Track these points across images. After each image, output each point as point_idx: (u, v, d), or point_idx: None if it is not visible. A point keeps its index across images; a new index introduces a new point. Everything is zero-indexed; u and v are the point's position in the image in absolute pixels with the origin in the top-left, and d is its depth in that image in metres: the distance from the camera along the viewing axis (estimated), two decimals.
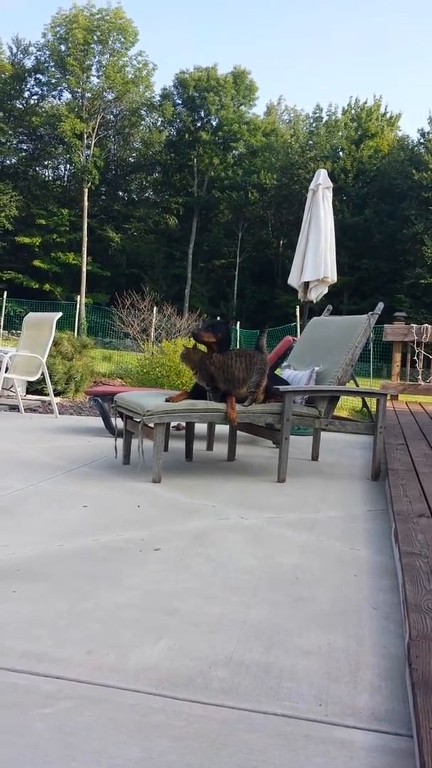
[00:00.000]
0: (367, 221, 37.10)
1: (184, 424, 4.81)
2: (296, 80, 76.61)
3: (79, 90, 40.82)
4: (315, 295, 7.28)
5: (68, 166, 44.64)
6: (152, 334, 14.38)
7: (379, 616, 1.93)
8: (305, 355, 4.62)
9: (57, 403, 6.81)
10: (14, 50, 42.25)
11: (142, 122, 45.20)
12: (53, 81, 41.80)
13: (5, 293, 26.62)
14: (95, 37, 40.12)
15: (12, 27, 71.47)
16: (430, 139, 38.06)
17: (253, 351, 3.77)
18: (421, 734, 1.23)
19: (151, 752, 1.26)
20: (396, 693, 1.51)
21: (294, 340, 5.55)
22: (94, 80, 41.34)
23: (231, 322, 3.94)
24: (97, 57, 40.89)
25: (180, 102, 43.67)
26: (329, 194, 7.43)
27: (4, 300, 25.75)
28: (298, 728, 1.36)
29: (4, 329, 24.05)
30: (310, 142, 41.60)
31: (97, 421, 5.84)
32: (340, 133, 41.17)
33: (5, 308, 25.80)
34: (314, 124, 43.84)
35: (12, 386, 6.74)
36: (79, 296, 32.48)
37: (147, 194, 46.64)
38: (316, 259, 7.10)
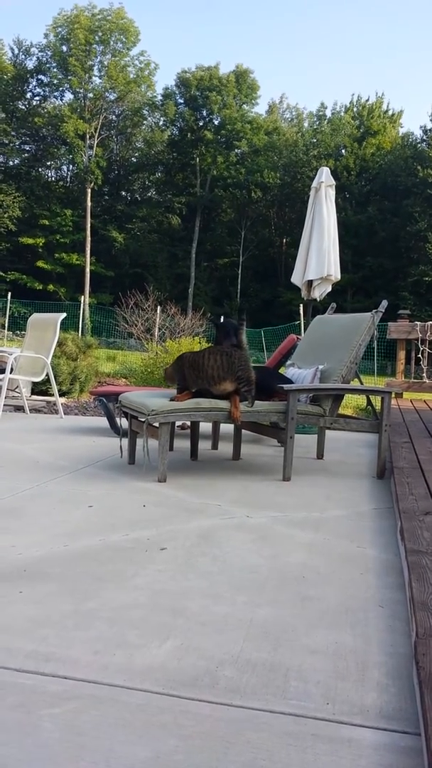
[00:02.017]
0: (371, 219, 37.05)
1: (188, 423, 4.82)
2: (298, 78, 76.67)
3: (81, 90, 40.90)
4: (319, 293, 7.27)
5: (71, 166, 44.76)
6: (156, 333, 14.39)
7: (386, 615, 1.93)
8: (309, 354, 4.62)
9: (62, 404, 6.82)
10: (16, 51, 42.36)
11: (145, 122, 45.24)
12: (55, 82, 41.88)
13: (9, 294, 26.67)
14: (97, 38, 40.17)
15: (13, 28, 71.52)
16: None
17: (229, 348, 3.76)
18: (429, 732, 1.23)
19: (158, 752, 1.26)
20: (403, 691, 1.51)
21: (298, 338, 5.54)
22: (96, 80, 41.46)
23: (243, 323, 3.94)
24: (98, 57, 40.98)
25: (182, 101, 43.67)
26: (332, 192, 7.42)
27: (9, 301, 25.81)
28: (306, 727, 1.36)
29: (8, 330, 24.10)
30: (314, 140, 41.53)
31: (102, 421, 5.84)
32: (342, 131, 41.11)
33: (9, 309, 25.87)
34: (318, 122, 43.77)
35: (17, 387, 6.76)
36: (82, 296, 32.52)
37: (150, 194, 46.67)
38: (320, 257, 7.09)
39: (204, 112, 43.43)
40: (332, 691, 1.50)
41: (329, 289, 7.37)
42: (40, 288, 38.38)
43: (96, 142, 41.25)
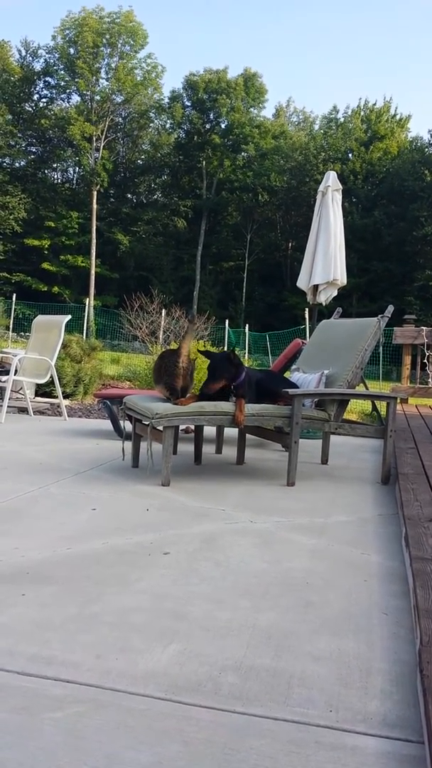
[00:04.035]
0: (377, 223, 37.04)
1: (192, 427, 4.81)
2: (305, 82, 76.71)
3: (88, 93, 40.96)
4: (324, 297, 7.26)
5: (77, 168, 44.82)
6: (161, 336, 14.38)
7: (390, 622, 1.92)
8: (315, 358, 4.61)
9: (66, 406, 6.83)
10: (23, 53, 42.48)
11: (151, 124, 45.33)
12: (62, 84, 41.98)
13: (14, 296, 26.71)
14: (104, 40, 40.26)
15: (20, 29, 71.71)
16: None
17: (177, 352, 3.83)
18: None
19: (161, 757, 1.26)
20: (407, 699, 1.51)
21: (303, 342, 5.53)
22: (103, 83, 41.54)
23: (233, 354, 3.90)
24: (106, 60, 41.05)
25: (189, 104, 43.75)
26: (339, 196, 7.41)
27: (13, 302, 25.85)
28: (309, 734, 1.36)
29: (13, 332, 24.13)
30: (324, 143, 41.50)
31: (106, 424, 5.84)
32: (352, 135, 41.09)
33: (14, 311, 25.89)
34: (330, 125, 43.69)
35: (21, 389, 6.76)
36: (87, 299, 32.58)
37: (155, 197, 46.76)
38: (326, 261, 7.08)
39: (211, 115, 43.49)
40: (335, 698, 1.50)
41: (335, 293, 7.36)
42: (45, 290, 38.44)
43: (102, 144, 41.33)
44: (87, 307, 27.43)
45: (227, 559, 2.41)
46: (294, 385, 4.16)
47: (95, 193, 40.63)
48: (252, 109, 44.28)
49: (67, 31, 40.62)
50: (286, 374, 5.02)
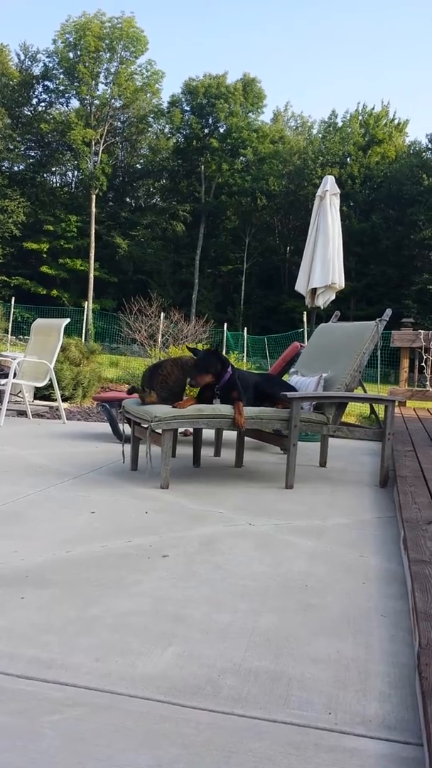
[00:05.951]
0: (375, 227, 37.11)
1: (191, 430, 4.82)
2: (303, 87, 76.93)
3: (88, 97, 40.98)
4: (322, 301, 7.27)
5: (76, 172, 44.83)
6: (159, 339, 14.38)
7: (389, 624, 1.92)
8: (313, 362, 4.62)
9: (64, 409, 6.83)
10: (22, 57, 42.50)
11: (150, 129, 45.37)
12: (61, 88, 41.99)
13: (13, 299, 26.72)
14: (104, 45, 40.29)
15: (19, 33, 71.88)
16: None
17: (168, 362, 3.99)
18: (431, 743, 1.22)
19: (160, 760, 1.26)
20: (406, 701, 1.51)
21: (301, 346, 5.54)
22: (103, 87, 41.58)
23: (218, 353, 3.93)
24: (105, 65, 41.09)
25: (188, 109, 43.79)
26: (336, 200, 7.42)
27: (12, 306, 25.86)
28: (308, 737, 1.36)
29: (12, 335, 24.12)
30: (322, 147, 41.54)
31: (105, 427, 5.84)
32: (351, 140, 41.16)
33: (13, 314, 25.90)
34: (328, 129, 43.74)
35: (20, 392, 6.76)
36: (86, 302, 32.58)
37: (154, 200, 46.77)
38: (324, 265, 7.08)
39: (210, 120, 43.54)
40: (334, 700, 1.50)
41: (333, 297, 7.37)
42: (44, 293, 38.47)
43: (101, 148, 41.35)
44: (86, 310, 27.44)
45: (226, 561, 2.41)
46: (292, 388, 4.17)
47: (94, 196, 40.65)
48: (250, 114, 44.34)
49: (68, 35, 40.64)
50: (285, 377, 5.02)
